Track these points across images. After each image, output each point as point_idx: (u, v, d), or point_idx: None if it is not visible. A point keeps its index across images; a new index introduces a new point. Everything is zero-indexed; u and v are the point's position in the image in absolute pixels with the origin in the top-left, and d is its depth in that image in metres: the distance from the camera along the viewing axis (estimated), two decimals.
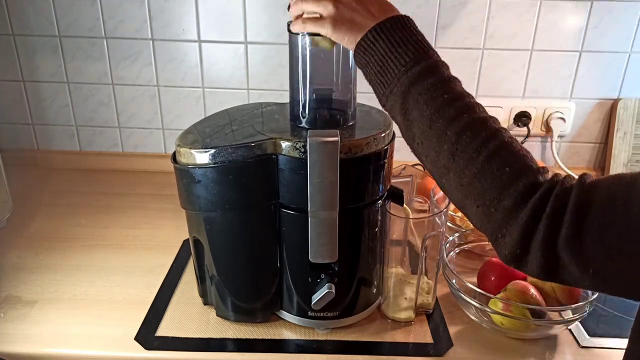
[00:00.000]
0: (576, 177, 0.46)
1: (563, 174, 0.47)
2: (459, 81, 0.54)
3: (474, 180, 0.48)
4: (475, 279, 0.80)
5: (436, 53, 0.55)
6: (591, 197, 0.43)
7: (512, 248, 0.47)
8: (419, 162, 0.56)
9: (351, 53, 0.58)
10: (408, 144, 0.55)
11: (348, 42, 0.58)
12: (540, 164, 0.49)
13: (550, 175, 0.47)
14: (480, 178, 0.48)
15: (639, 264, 0.41)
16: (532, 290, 0.71)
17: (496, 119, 0.52)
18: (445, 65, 0.54)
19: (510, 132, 0.50)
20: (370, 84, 0.58)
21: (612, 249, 0.42)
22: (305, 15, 0.61)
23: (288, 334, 0.73)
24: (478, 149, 0.48)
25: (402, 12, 0.57)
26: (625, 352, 0.53)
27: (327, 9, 0.58)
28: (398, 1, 1.05)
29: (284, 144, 0.63)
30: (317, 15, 0.59)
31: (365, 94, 1.18)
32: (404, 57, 0.53)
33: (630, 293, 0.44)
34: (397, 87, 0.53)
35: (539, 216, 0.45)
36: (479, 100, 0.52)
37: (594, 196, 0.43)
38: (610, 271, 0.43)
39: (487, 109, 0.52)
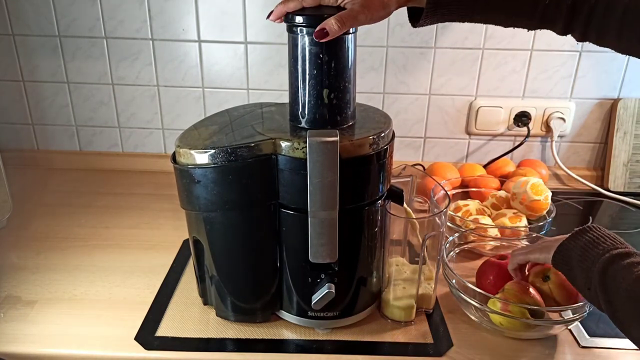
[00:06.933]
0: None
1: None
2: None
3: None
4: (475, 279, 0.80)
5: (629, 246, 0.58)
6: None
7: None
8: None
9: (351, 50, 0.58)
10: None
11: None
12: None
13: None
14: None
15: None
16: (531, 290, 0.71)
17: None
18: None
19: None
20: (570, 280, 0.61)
21: None
22: None
23: (288, 334, 0.73)
24: None
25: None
26: None
27: None
28: None
29: (284, 144, 0.63)
30: None
31: (365, 94, 1.19)
32: (602, 245, 0.57)
33: None
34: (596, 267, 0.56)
35: None
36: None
37: None
38: None
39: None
